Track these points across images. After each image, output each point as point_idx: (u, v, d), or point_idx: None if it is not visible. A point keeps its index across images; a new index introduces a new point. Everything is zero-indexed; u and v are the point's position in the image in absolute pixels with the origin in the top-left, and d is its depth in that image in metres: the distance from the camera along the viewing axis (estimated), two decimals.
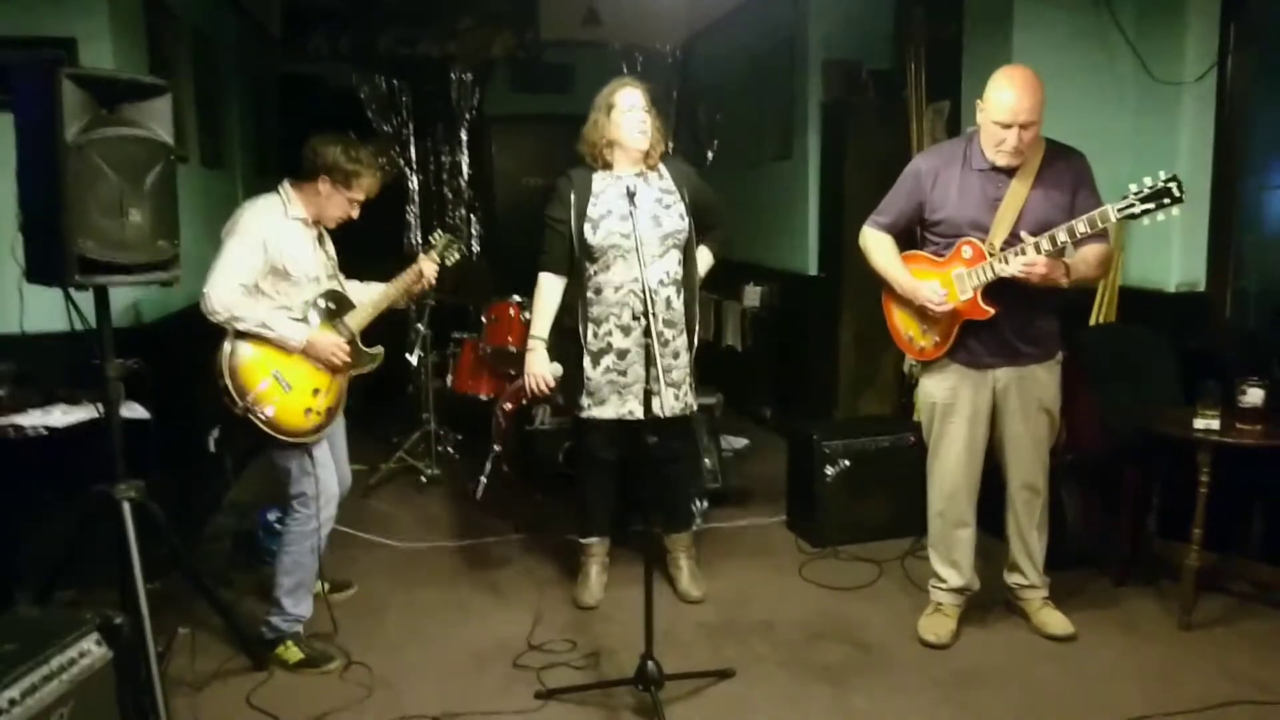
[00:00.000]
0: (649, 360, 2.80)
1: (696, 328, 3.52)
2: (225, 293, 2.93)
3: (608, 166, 3.43)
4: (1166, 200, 2.79)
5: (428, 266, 3.49)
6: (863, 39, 5.43)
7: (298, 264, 3.11)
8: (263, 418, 3.00)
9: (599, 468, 3.59)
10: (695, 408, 3.61)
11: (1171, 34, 3.93)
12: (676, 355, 3.45)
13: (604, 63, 7.80)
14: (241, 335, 2.99)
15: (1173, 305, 3.98)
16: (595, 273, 3.39)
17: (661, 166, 3.47)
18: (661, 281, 3.37)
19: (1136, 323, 3.97)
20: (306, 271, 3.16)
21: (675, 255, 3.42)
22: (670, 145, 3.57)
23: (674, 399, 3.42)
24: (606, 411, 3.43)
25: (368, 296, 3.39)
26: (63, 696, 2.05)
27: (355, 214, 3.26)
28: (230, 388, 2.96)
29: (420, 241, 7.88)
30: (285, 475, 3.18)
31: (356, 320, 3.30)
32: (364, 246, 3.75)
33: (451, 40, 7.49)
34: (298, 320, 3.12)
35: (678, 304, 3.44)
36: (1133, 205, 2.82)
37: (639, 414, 3.36)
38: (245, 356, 3.00)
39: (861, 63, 5.36)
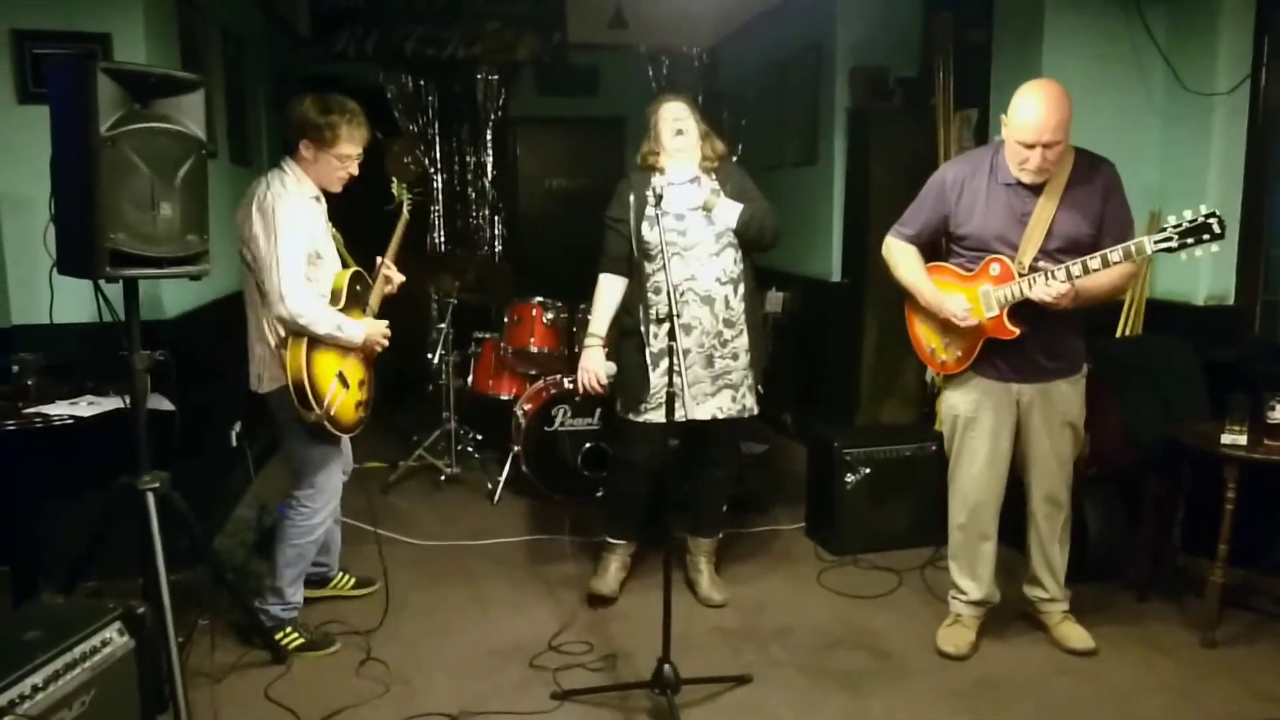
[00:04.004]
0: (673, 362, 2.80)
1: (763, 327, 3.54)
2: (302, 296, 2.94)
3: (660, 171, 3.46)
4: (1206, 236, 2.71)
5: (390, 273, 3.41)
6: (890, 46, 5.41)
7: (325, 246, 3.16)
8: (334, 420, 3.04)
9: (635, 471, 3.57)
10: (755, 411, 3.56)
11: (1204, 45, 3.89)
12: (735, 356, 3.46)
13: (630, 66, 7.84)
14: (313, 340, 2.99)
15: (1201, 318, 3.94)
16: (653, 272, 3.41)
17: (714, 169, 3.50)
18: (718, 279, 3.39)
19: (1164, 335, 3.94)
20: (331, 252, 3.20)
21: (731, 253, 3.43)
22: (724, 149, 3.56)
23: (731, 401, 3.45)
24: (662, 415, 3.41)
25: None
26: (85, 684, 2.06)
27: (354, 171, 3.15)
28: (309, 394, 2.96)
29: (443, 241, 7.91)
30: (306, 465, 3.21)
31: (375, 301, 3.34)
32: (386, 243, 3.76)
33: (478, 42, 7.53)
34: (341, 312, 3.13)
35: (736, 303, 3.44)
36: (1170, 240, 2.75)
37: (696, 415, 3.37)
38: (319, 362, 3.02)
39: (889, 70, 5.35)
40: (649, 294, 3.42)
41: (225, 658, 3.12)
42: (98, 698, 2.09)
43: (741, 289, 3.46)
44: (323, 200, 3.19)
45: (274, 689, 2.98)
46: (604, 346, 3.51)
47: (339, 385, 3.08)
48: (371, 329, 3.18)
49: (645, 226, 3.40)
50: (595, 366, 3.46)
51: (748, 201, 3.42)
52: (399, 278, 3.44)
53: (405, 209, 3.62)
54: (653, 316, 3.41)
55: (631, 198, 3.44)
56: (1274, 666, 3.14)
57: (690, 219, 3.38)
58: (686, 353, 3.39)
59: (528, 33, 7.55)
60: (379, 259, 3.42)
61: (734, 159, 3.61)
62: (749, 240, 3.43)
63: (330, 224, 3.27)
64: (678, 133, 3.39)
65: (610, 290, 3.50)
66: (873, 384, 5.35)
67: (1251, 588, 3.51)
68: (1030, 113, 2.84)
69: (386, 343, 3.26)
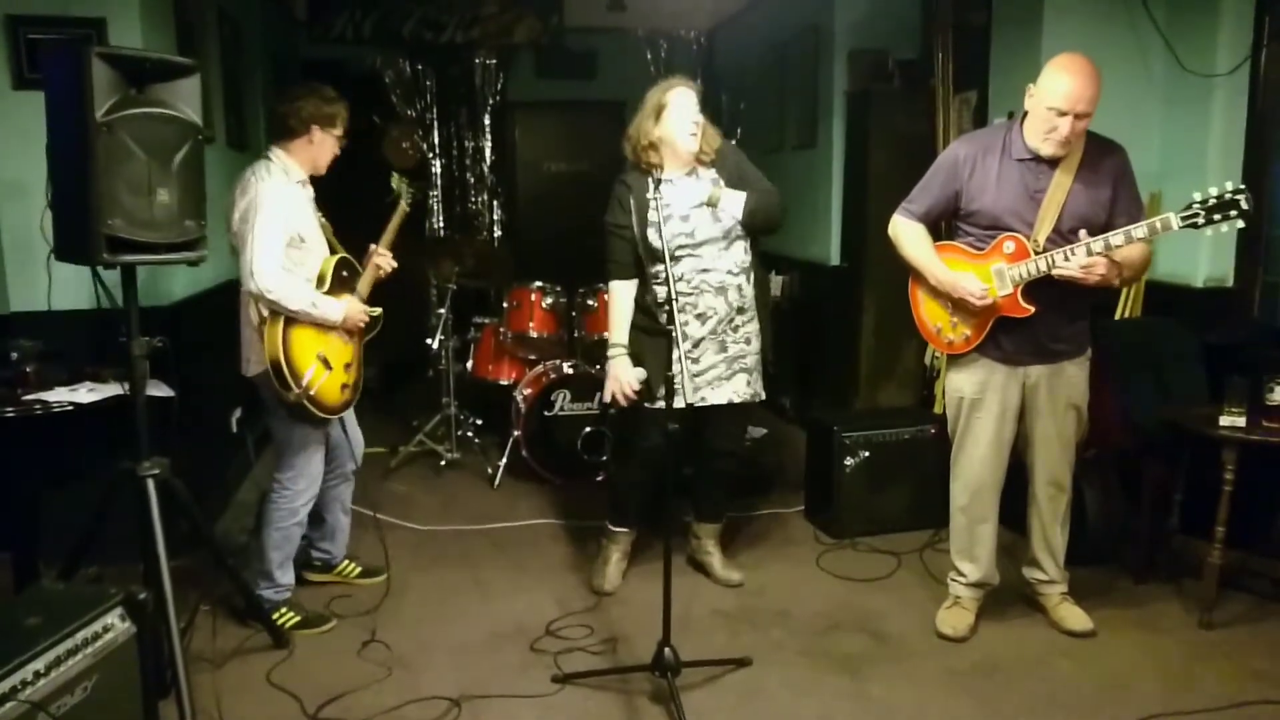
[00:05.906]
0: (670, 350, 2.79)
1: (769, 311, 3.54)
2: (274, 272, 2.99)
3: (656, 168, 3.30)
4: (1234, 213, 2.69)
5: (382, 260, 3.42)
6: (889, 28, 5.38)
7: (309, 230, 3.19)
8: (315, 401, 3.06)
9: (644, 459, 3.52)
10: (763, 396, 3.57)
11: (1204, 25, 3.87)
12: (748, 341, 3.46)
13: (628, 49, 7.81)
14: (289, 319, 3.03)
15: (1200, 300, 3.94)
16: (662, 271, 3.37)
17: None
18: (730, 271, 3.38)
19: (1163, 317, 3.93)
20: (316, 237, 3.22)
21: (740, 245, 3.42)
22: (719, 140, 3.47)
23: (745, 385, 3.47)
24: (678, 400, 3.40)
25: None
26: (87, 670, 2.07)
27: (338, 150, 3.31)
28: (286, 373, 3.00)
29: (441, 225, 7.89)
30: (287, 447, 3.25)
31: (364, 286, 3.36)
32: (380, 233, 3.75)
33: (475, 25, 7.49)
34: (326, 295, 3.18)
35: (749, 290, 3.45)
36: (1197, 216, 2.72)
37: (710, 400, 3.40)
38: (296, 341, 3.05)
39: (888, 52, 5.31)
40: (659, 292, 3.36)
41: (227, 642, 3.13)
42: (100, 683, 2.09)
43: (752, 276, 3.46)
44: (309, 186, 3.26)
45: (276, 673, 2.99)
46: (628, 354, 3.43)
47: (320, 366, 3.10)
48: (351, 307, 3.21)
49: (651, 233, 3.30)
50: (627, 376, 3.37)
51: (747, 186, 3.36)
52: (390, 264, 3.45)
53: (404, 203, 3.65)
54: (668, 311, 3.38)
55: (632, 202, 3.31)
56: (1271, 648, 3.15)
57: (695, 216, 3.33)
58: (700, 341, 3.39)
59: (526, 16, 7.52)
60: (371, 247, 3.43)
61: (733, 141, 3.56)
62: (756, 227, 3.40)
63: (319, 213, 3.31)
64: (692, 134, 3.29)
65: (627, 298, 3.44)
66: (872, 367, 5.35)
67: (1249, 569, 3.52)
68: (1068, 81, 2.81)
69: (367, 319, 3.28)
